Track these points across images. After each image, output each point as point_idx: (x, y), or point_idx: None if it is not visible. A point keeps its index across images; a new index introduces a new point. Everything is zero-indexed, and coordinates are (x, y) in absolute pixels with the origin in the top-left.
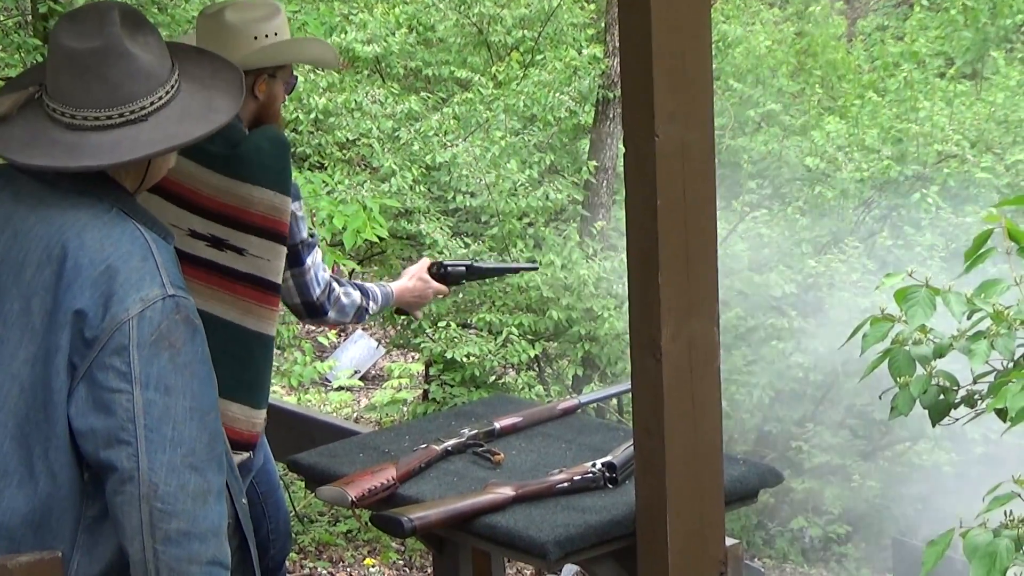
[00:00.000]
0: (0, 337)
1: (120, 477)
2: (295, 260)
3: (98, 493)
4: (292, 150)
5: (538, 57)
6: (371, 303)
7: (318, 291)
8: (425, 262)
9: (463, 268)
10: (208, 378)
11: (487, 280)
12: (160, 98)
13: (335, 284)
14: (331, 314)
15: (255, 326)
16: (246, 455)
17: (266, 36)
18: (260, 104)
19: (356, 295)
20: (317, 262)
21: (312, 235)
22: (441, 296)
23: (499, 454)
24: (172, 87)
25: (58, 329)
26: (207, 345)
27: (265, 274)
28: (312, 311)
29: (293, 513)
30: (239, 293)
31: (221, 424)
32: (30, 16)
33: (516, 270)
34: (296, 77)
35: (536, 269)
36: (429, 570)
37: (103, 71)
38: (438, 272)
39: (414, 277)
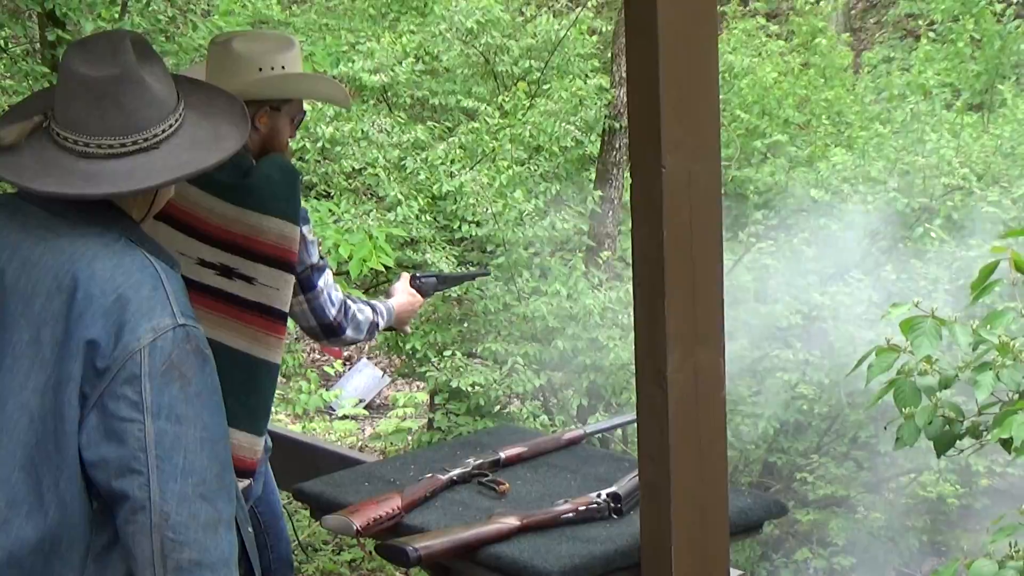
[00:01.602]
0: (9, 367)
1: (132, 506)
2: (307, 284)
3: (107, 522)
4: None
5: (544, 87)
6: (380, 318)
7: (333, 311)
8: (407, 276)
9: (434, 279)
10: (218, 407)
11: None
12: (171, 126)
13: (349, 302)
14: (348, 332)
15: (262, 354)
16: (247, 482)
17: (272, 68)
18: (263, 136)
19: (368, 310)
20: (329, 283)
21: (322, 258)
22: (419, 307)
23: (504, 484)
24: (180, 116)
25: (69, 359)
26: (216, 374)
27: (273, 303)
28: (329, 332)
29: (295, 542)
30: (247, 321)
31: (230, 453)
32: (38, 44)
33: (474, 276)
34: (304, 113)
35: (488, 274)
36: None
37: (119, 98)
38: (413, 285)
39: (404, 292)
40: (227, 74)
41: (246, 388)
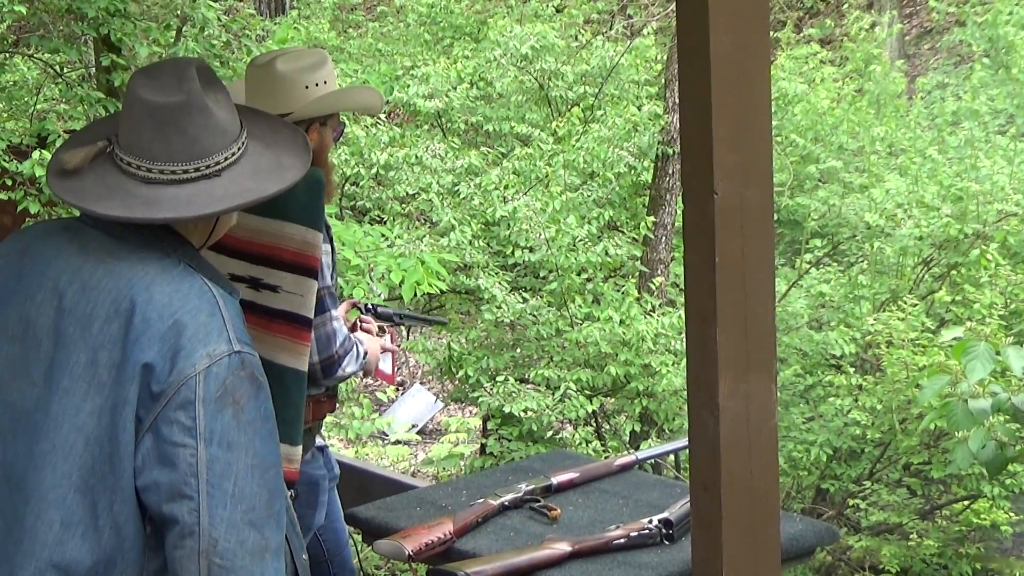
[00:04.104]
0: (66, 389)
1: (181, 531)
2: (319, 307)
3: (159, 546)
4: (352, 204)
5: (598, 113)
6: (360, 349)
7: (337, 343)
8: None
9: (391, 312)
10: (271, 435)
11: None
12: (233, 154)
13: (352, 337)
14: (347, 365)
15: (290, 362)
16: (288, 493)
17: (316, 85)
18: (312, 151)
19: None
20: (339, 314)
21: (340, 287)
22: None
23: (556, 509)
24: (243, 144)
25: (126, 382)
26: (271, 401)
27: (299, 309)
28: (328, 366)
29: (361, 572)
30: (272, 330)
31: (282, 481)
32: (93, 69)
33: (430, 322)
34: (343, 124)
35: (445, 324)
36: None
37: (184, 125)
38: (370, 310)
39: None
40: (275, 95)
41: (277, 398)
